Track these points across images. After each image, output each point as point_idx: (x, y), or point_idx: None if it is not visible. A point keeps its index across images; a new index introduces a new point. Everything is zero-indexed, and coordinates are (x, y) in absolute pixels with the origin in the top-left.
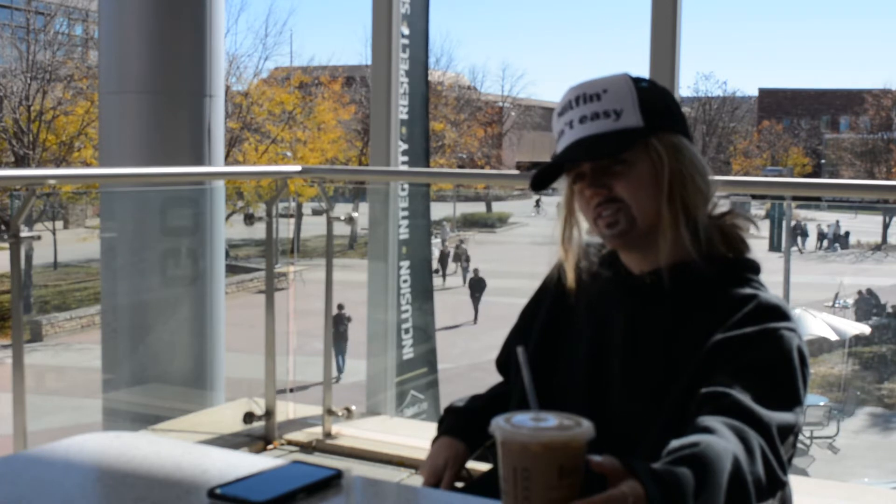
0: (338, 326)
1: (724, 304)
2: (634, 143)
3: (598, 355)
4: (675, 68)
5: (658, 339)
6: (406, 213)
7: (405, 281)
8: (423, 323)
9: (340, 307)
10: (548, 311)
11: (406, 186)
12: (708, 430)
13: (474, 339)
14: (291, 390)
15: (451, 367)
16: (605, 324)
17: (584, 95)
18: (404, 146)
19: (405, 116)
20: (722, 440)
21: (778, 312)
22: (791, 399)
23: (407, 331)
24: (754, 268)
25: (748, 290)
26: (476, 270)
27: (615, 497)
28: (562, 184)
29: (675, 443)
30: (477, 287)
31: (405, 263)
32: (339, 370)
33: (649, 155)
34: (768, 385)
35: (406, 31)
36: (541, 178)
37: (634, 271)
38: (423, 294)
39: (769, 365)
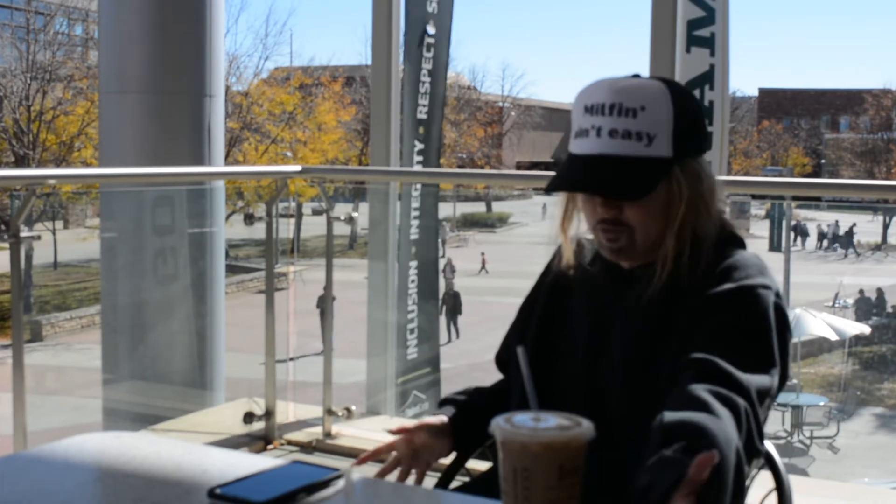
0: (323, 305)
1: (709, 285)
2: (662, 178)
3: (594, 351)
4: (674, 68)
5: (652, 333)
6: (417, 213)
7: (412, 281)
8: (429, 323)
9: (325, 288)
10: (544, 306)
11: (419, 187)
12: (701, 404)
13: (476, 339)
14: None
15: (451, 367)
16: (600, 318)
17: (621, 107)
18: (420, 146)
19: (424, 116)
20: (722, 424)
21: (753, 269)
22: (766, 360)
23: (412, 331)
24: (739, 243)
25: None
26: (451, 284)
27: None
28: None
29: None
30: (452, 304)
31: (413, 264)
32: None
33: (670, 185)
34: (743, 346)
35: (432, 31)
36: (557, 189)
37: (624, 265)
38: (430, 294)
39: (744, 325)
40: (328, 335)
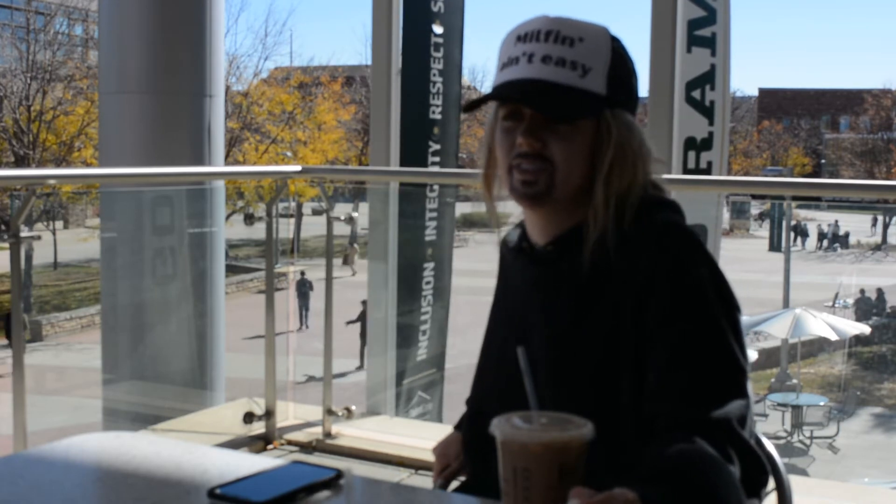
0: (301, 289)
1: (639, 258)
2: (594, 113)
3: (521, 338)
4: (674, 68)
5: (571, 318)
6: (434, 215)
7: (427, 283)
8: (439, 324)
9: (303, 273)
10: (494, 296)
11: (436, 188)
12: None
13: (477, 339)
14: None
15: (451, 367)
16: (523, 304)
17: (558, 34)
18: (436, 146)
19: (438, 117)
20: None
21: (686, 248)
22: (734, 372)
23: (424, 332)
24: (669, 206)
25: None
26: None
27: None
28: (489, 113)
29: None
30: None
31: (430, 265)
32: (303, 323)
33: (599, 127)
34: (707, 368)
35: (440, 31)
36: (476, 103)
37: (537, 241)
38: (441, 295)
39: (699, 339)
40: (328, 334)
